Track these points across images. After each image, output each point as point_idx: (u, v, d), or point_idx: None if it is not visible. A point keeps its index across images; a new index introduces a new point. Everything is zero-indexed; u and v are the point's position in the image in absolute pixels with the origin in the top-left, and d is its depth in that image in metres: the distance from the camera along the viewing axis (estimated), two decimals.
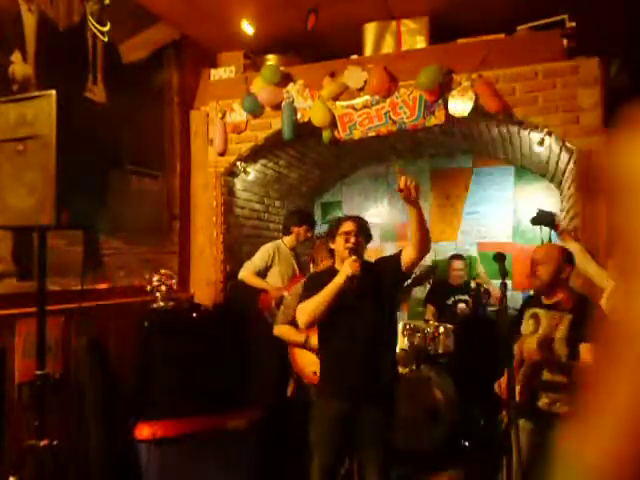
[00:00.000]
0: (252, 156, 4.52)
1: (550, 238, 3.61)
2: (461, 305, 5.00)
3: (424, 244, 2.71)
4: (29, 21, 3.12)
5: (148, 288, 3.61)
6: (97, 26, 3.57)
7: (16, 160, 2.08)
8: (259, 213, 5.13)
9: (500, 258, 2.52)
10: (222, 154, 4.40)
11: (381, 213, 6.28)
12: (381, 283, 2.73)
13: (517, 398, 2.49)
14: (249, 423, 3.33)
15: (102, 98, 3.60)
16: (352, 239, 2.76)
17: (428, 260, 6.06)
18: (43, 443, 2.12)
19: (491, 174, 5.88)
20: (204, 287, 4.38)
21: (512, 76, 3.72)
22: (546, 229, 3.51)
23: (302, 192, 5.95)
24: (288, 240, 4.47)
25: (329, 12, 3.91)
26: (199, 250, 4.47)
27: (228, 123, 4.37)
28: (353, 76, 4.00)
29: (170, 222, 4.30)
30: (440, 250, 6.02)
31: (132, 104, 3.90)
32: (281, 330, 3.45)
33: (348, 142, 4.19)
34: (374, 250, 4.95)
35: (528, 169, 5.62)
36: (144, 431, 3.13)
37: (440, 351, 4.30)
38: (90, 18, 3.53)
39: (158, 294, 3.59)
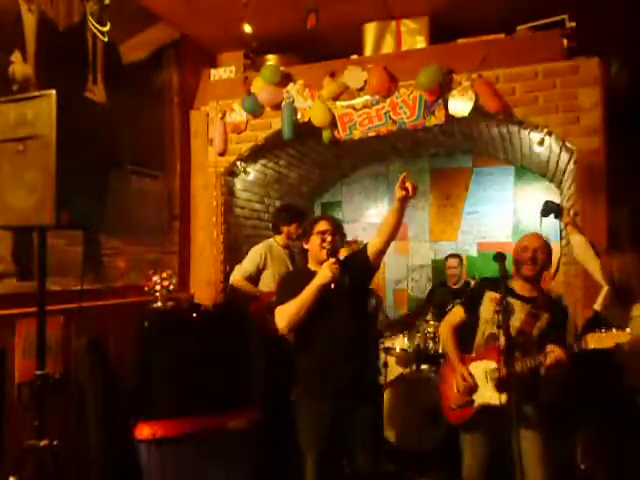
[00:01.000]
0: (252, 156, 4.52)
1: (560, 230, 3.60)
2: None
3: (394, 236, 2.75)
4: (29, 21, 3.12)
5: (148, 288, 3.61)
6: (97, 26, 3.57)
7: (16, 160, 2.08)
8: (259, 213, 5.12)
9: (500, 258, 2.51)
10: (222, 154, 4.40)
11: (381, 213, 6.27)
12: (355, 280, 2.72)
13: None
14: (249, 423, 3.33)
15: (102, 98, 3.60)
16: (329, 238, 2.72)
17: (428, 260, 6.08)
18: (43, 443, 2.11)
19: (491, 174, 5.89)
20: (204, 287, 4.38)
21: (512, 76, 3.72)
22: (546, 226, 3.51)
23: (302, 192, 5.95)
24: (280, 238, 4.33)
25: (329, 12, 3.91)
26: (199, 250, 4.46)
27: (228, 123, 4.36)
28: (353, 76, 4.00)
29: (170, 222, 4.30)
30: (440, 250, 6.03)
31: (132, 104, 3.90)
32: None
33: (348, 142, 4.19)
34: None
35: (528, 169, 5.62)
36: (144, 431, 3.13)
37: (440, 351, 4.30)
38: (90, 18, 3.53)
39: (158, 294, 3.58)
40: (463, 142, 5.37)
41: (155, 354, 3.35)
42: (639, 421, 2.59)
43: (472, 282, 5.26)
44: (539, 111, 3.68)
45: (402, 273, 6.17)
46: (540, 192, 5.53)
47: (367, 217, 6.28)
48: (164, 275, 3.64)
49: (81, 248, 3.22)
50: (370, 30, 4.30)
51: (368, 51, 4.28)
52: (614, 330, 2.38)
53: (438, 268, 5.98)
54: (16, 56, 3.04)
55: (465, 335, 2.82)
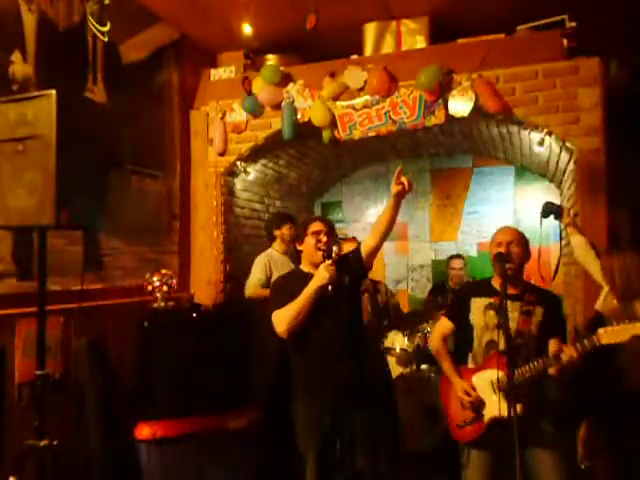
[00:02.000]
0: (252, 156, 4.52)
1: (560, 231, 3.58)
2: None
3: (388, 234, 2.75)
4: (29, 21, 3.12)
5: (148, 288, 3.61)
6: (97, 26, 3.57)
7: (16, 160, 2.08)
8: (259, 213, 5.12)
9: (500, 258, 2.51)
10: (222, 154, 4.40)
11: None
12: (350, 280, 2.73)
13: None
14: (249, 423, 3.33)
15: (102, 98, 3.60)
16: (324, 239, 2.72)
17: (428, 260, 6.08)
18: (43, 443, 2.11)
19: (491, 174, 5.89)
20: (204, 287, 4.38)
21: (512, 76, 3.72)
22: (546, 226, 3.51)
23: (302, 192, 5.95)
24: (277, 245, 4.34)
25: (329, 12, 3.91)
26: (199, 250, 4.46)
27: (228, 123, 4.36)
28: (353, 76, 4.00)
29: (170, 222, 4.30)
30: (440, 250, 6.04)
31: (132, 104, 3.90)
32: None
33: (348, 142, 4.19)
34: None
35: (528, 169, 5.62)
36: (144, 431, 3.13)
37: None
38: (90, 18, 3.52)
39: (158, 294, 3.59)
40: (463, 142, 5.36)
41: (155, 354, 3.36)
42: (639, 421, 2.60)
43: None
44: (539, 111, 3.68)
45: (402, 273, 6.16)
46: (540, 192, 5.53)
47: (367, 217, 6.28)
48: (164, 275, 3.64)
49: (81, 248, 3.22)
50: (370, 30, 4.30)
51: (368, 51, 4.28)
52: (627, 322, 2.26)
53: (438, 268, 5.98)
54: (16, 56, 3.04)
55: (460, 347, 2.74)
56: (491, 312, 2.60)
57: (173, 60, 4.34)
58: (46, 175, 2.02)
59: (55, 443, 2.14)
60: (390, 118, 3.95)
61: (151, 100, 4.13)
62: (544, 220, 3.10)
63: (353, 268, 2.75)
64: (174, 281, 3.72)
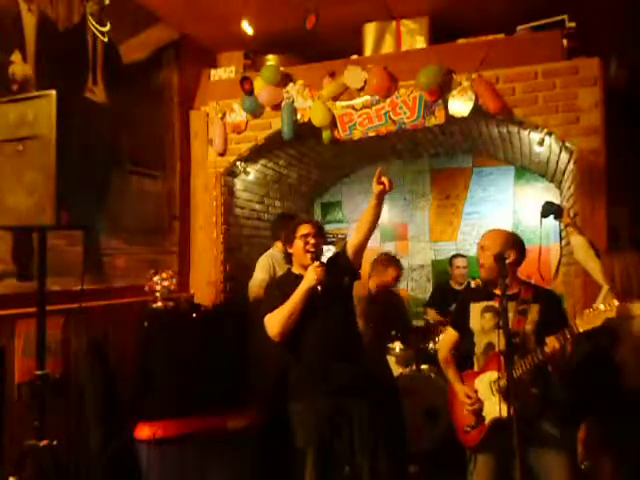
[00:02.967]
0: (252, 156, 4.52)
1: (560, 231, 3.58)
2: None
3: (371, 231, 2.78)
4: (29, 21, 3.12)
5: (148, 288, 3.61)
6: (97, 26, 3.57)
7: (16, 160, 2.08)
8: (259, 213, 5.12)
9: (500, 258, 2.51)
10: (222, 154, 4.40)
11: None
12: (339, 280, 2.78)
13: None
14: (249, 423, 3.33)
15: (102, 98, 3.60)
16: (312, 241, 2.77)
17: (428, 260, 6.08)
18: (43, 443, 2.12)
19: (491, 174, 5.89)
20: (204, 287, 4.38)
21: (512, 76, 3.72)
22: (546, 226, 3.52)
23: (302, 192, 5.95)
24: (280, 245, 4.25)
25: (329, 12, 3.91)
26: (199, 250, 4.46)
27: (228, 123, 4.36)
28: (353, 76, 4.00)
29: (170, 222, 4.30)
30: (440, 250, 6.04)
31: (132, 104, 3.90)
32: None
33: (348, 142, 4.19)
34: (374, 250, 4.94)
35: (528, 169, 5.63)
36: (144, 431, 3.13)
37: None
38: (90, 18, 3.52)
39: (158, 294, 3.59)
40: (463, 142, 5.37)
41: (155, 354, 3.35)
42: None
43: (472, 282, 5.27)
44: (539, 111, 3.68)
45: None
46: (540, 192, 5.53)
47: None
48: (164, 275, 3.64)
49: (81, 248, 3.21)
50: (370, 30, 4.30)
51: (368, 51, 4.28)
52: (601, 306, 2.28)
53: (438, 268, 5.99)
54: (16, 56, 3.04)
55: (464, 353, 2.76)
56: (487, 315, 2.62)
57: (173, 60, 4.34)
58: (46, 175, 2.02)
59: (55, 443, 2.14)
60: (390, 118, 3.95)
61: (151, 100, 4.13)
62: (544, 220, 3.10)
63: (342, 268, 2.81)
64: (174, 281, 3.72)
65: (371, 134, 4.06)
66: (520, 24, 3.89)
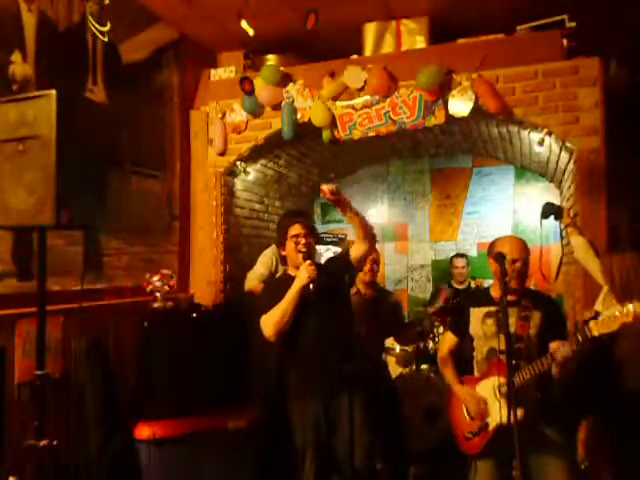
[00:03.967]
0: (252, 156, 4.52)
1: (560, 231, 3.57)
2: None
3: (369, 238, 2.90)
4: (29, 21, 3.12)
5: (148, 288, 3.61)
6: (97, 26, 3.57)
7: (16, 160, 2.08)
8: (259, 213, 5.12)
9: (500, 258, 2.51)
10: (222, 154, 4.39)
11: (381, 213, 6.28)
12: (336, 281, 2.82)
13: None
14: (248, 423, 3.33)
15: (102, 98, 3.60)
16: (302, 241, 2.80)
17: (428, 260, 6.08)
18: (43, 443, 2.11)
19: (491, 174, 5.89)
20: (204, 287, 4.38)
21: (512, 76, 3.72)
22: (546, 226, 3.51)
23: (302, 192, 5.95)
24: None
25: (329, 12, 3.91)
26: (199, 250, 4.46)
27: (228, 123, 4.36)
28: (353, 76, 3.99)
29: (170, 222, 4.30)
30: (440, 250, 6.04)
31: (132, 104, 3.90)
32: None
33: (348, 142, 4.19)
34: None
35: (528, 169, 5.63)
36: (144, 431, 3.13)
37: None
38: (90, 18, 3.52)
39: (158, 294, 3.59)
40: (463, 142, 5.37)
41: (155, 354, 3.35)
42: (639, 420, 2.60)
43: (472, 282, 5.27)
44: (539, 111, 3.68)
45: (402, 273, 6.17)
46: (540, 192, 5.54)
47: (367, 217, 6.26)
48: (164, 275, 3.64)
49: (81, 248, 3.22)
50: (370, 30, 4.29)
51: (368, 51, 4.28)
52: (616, 312, 2.26)
53: (438, 268, 5.99)
54: (16, 56, 3.04)
55: (463, 358, 2.74)
56: (489, 321, 2.62)
57: (173, 60, 4.34)
58: (46, 175, 2.02)
59: (55, 443, 2.14)
60: (390, 118, 3.95)
61: (151, 100, 4.13)
62: (544, 221, 3.10)
63: (342, 267, 2.86)
64: (174, 281, 3.72)
65: (371, 134, 4.06)
66: (520, 24, 3.89)
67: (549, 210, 3.09)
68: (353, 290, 3.71)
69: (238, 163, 4.49)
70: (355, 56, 4.21)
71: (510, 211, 5.78)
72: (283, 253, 2.91)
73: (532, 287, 2.87)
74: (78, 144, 2.10)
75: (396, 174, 6.24)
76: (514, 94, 3.71)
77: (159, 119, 4.23)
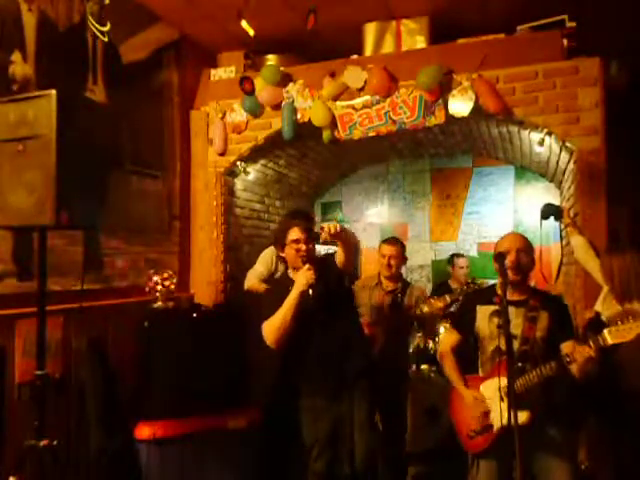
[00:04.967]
0: (252, 156, 4.52)
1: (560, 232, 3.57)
2: None
3: (350, 255, 2.83)
4: (29, 21, 3.12)
5: (148, 288, 3.61)
6: (97, 26, 3.57)
7: (16, 160, 2.08)
8: (259, 213, 5.12)
9: (500, 258, 2.50)
10: (222, 154, 4.40)
11: (381, 213, 6.28)
12: (335, 279, 2.84)
13: None
14: (249, 423, 3.33)
15: (102, 98, 3.60)
16: (303, 247, 2.78)
17: (428, 260, 6.08)
18: (43, 443, 2.12)
19: (491, 174, 5.89)
20: (204, 287, 4.38)
21: (512, 76, 3.72)
22: (546, 226, 3.51)
23: (302, 192, 5.95)
24: None
25: (329, 12, 3.91)
26: (199, 250, 4.46)
27: (228, 123, 4.36)
28: (353, 76, 3.99)
29: (170, 222, 4.30)
30: (440, 250, 6.03)
31: (132, 104, 3.90)
32: None
33: (348, 142, 4.19)
34: (374, 250, 4.95)
35: (528, 169, 5.62)
36: (144, 431, 3.13)
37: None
38: (90, 18, 3.52)
39: (158, 294, 3.59)
40: (463, 142, 5.36)
41: (155, 354, 3.35)
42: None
43: (472, 283, 5.25)
44: (539, 111, 3.68)
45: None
46: (540, 192, 5.54)
47: (367, 217, 6.29)
48: (164, 275, 3.64)
49: (81, 248, 3.22)
50: (370, 30, 4.29)
51: (368, 51, 4.28)
52: (632, 321, 2.24)
53: (438, 268, 5.98)
54: (16, 56, 3.04)
55: (467, 357, 2.71)
56: (496, 319, 2.55)
57: (173, 60, 4.34)
58: (46, 175, 2.02)
59: (55, 443, 2.14)
60: (390, 118, 3.95)
61: (151, 100, 4.13)
62: (544, 221, 3.10)
63: (333, 271, 2.84)
64: (174, 281, 3.72)
65: (371, 134, 4.06)
66: (520, 24, 3.89)
67: (549, 211, 3.09)
68: (373, 282, 3.80)
69: (238, 163, 4.49)
70: (355, 56, 4.21)
71: (510, 211, 5.77)
72: (282, 255, 2.91)
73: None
74: (78, 144, 2.09)
75: (396, 174, 6.24)
76: (514, 94, 3.71)
77: (159, 119, 4.23)
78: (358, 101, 4.02)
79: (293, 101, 4.13)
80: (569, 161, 3.98)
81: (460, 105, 3.74)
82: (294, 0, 3.86)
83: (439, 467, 3.86)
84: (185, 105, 4.47)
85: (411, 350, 4.40)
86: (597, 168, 3.53)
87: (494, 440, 2.50)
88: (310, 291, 2.66)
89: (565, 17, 3.75)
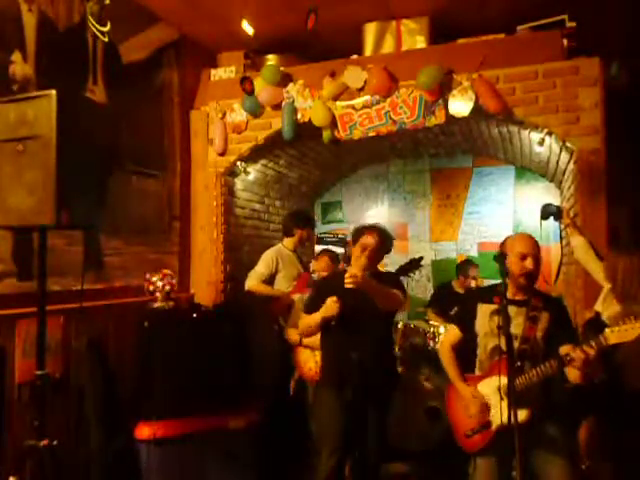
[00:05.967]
0: (252, 156, 4.52)
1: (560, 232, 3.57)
2: None
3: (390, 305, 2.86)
4: (29, 21, 3.12)
5: (148, 288, 3.61)
6: (97, 26, 3.57)
7: (16, 160, 2.08)
8: (259, 213, 5.12)
9: (500, 258, 2.50)
10: (222, 154, 4.40)
11: (381, 213, 6.28)
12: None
13: None
14: (249, 423, 3.33)
15: (102, 98, 3.60)
16: (366, 254, 2.85)
17: (428, 260, 6.08)
18: (43, 443, 2.11)
19: (491, 174, 5.89)
20: (204, 287, 4.38)
21: (512, 76, 3.72)
22: (546, 227, 3.51)
23: (302, 192, 5.95)
24: (289, 242, 4.44)
25: (329, 12, 3.91)
26: (199, 250, 4.46)
27: (228, 123, 4.36)
28: (353, 76, 4.00)
29: (170, 222, 4.30)
30: (440, 250, 6.03)
31: (132, 104, 3.90)
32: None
33: (348, 142, 4.19)
34: None
35: (528, 169, 5.63)
36: (144, 431, 3.13)
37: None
38: (90, 18, 3.53)
39: (158, 294, 3.59)
40: (463, 142, 5.36)
41: (155, 354, 3.35)
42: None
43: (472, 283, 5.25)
44: (539, 111, 3.68)
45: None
46: (540, 192, 5.54)
47: (367, 217, 6.28)
48: (164, 275, 3.64)
49: (81, 248, 3.22)
50: (370, 30, 4.30)
51: (368, 51, 4.28)
52: (633, 321, 2.23)
53: (438, 268, 5.99)
54: (16, 56, 3.04)
55: (465, 355, 2.71)
56: (497, 318, 2.51)
57: (173, 60, 4.34)
58: (46, 175, 2.02)
59: (55, 443, 2.14)
60: (390, 118, 3.95)
61: (151, 100, 4.13)
62: (544, 221, 3.10)
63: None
64: (174, 281, 3.72)
65: (371, 134, 4.06)
66: (520, 24, 3.89)
67: (549, 211, 3.09)
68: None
69: (238, 163, 4.49)
70: (355, 56, 4.22)
71: (510, 211, 5.78)
72: (350, 250, 3.00)
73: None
74: (78, 144, 2.09)
75: (396, 174, 6.24)
76: (514, 94, 3.71)
77: (159, 119, 4.23)
78: (358, 101, 4.02)
79: (293, 101, 4.14)
80: (569, 161, 3.98)
81: (460, 105, 3.74)
82: (294, 0, 3.86)
83: (438, 467, 3.86)
84: (185, 105, 4.47)
85: (410, 350, 4.41)
86: (597, 168, 3.53)
87: (492, 439, 2.50)
88: (332, 323, 2.81)
89: (565, 17, 3.75)
